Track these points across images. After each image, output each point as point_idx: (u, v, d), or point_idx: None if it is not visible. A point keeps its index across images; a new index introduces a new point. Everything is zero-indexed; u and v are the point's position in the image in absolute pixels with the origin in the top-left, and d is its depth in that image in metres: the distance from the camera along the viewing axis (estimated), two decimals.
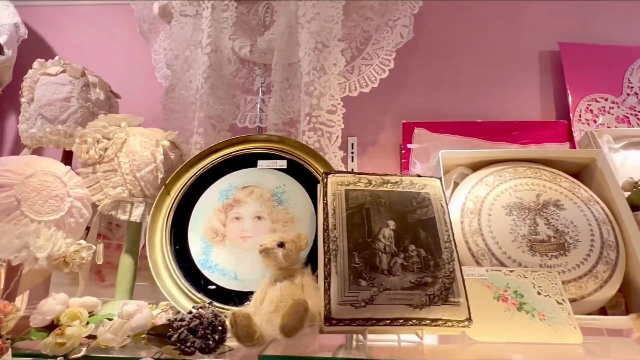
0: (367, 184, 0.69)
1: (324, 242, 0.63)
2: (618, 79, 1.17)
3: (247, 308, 0.63)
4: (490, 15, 1.27)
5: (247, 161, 0.84)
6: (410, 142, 1.13)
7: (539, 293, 0.66)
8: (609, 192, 0.78)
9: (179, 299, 0.70)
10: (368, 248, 0.62)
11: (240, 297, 0.69)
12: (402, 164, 1.14)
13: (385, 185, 0.70)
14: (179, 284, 0.71)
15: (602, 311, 0.73)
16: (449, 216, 0.68)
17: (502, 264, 0.71)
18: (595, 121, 1.12)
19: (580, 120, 1.12)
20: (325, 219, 0.65)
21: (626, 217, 0.73)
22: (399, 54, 1.25)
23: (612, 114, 1.13)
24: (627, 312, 0.71)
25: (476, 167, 0.87)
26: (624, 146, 0.87)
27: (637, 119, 1.13)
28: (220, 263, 0.74)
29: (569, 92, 1.14)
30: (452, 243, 0.65)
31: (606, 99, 1.14)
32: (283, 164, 0.83)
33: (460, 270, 0.63)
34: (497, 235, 0.73)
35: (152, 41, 1.14)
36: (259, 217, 0.78)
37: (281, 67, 0.96)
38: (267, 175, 0.82)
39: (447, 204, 0.69)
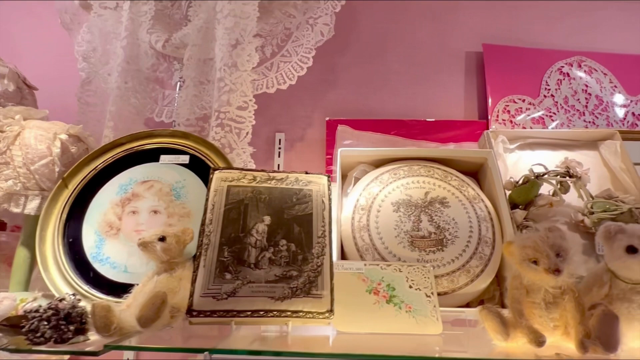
0: (252, 180, 0.71)
1: (199, 236, 0.65)
2: (537, 80, 1.21)
3: (125, 300, 0.65)
4: (421, 16, 1.29)
5: (151, 156, 0.85)
6: (334, 139, 1.16)
7: (410, 286, 0.69)
8: (495, 191, 0.81)
9: (66, 292, 0.71)
10: (239, 242, 0.64)
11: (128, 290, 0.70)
12: (326, 160, 1.17)
13: (269, 181, 0.72)
14: (67, 277, 0.72)
15: (481, 304, 0.77)
16: (329, 212, 0.70)
17: (383, 259, 0.74)
18: (511, 121, 1.16)
19: (497, 120, 1.16)
20: (204, 214, 0.67)
21: (505, 214, 0.76)
22: (330, 53, 1.28)
23: (529, 115, 1.17)
24: (501, 304, 0.75)
25: (378, 164, 0.89)
26: (519, 147, 0.91)
27: (551, 120, 1.17)
28: (111, 256, 0.75)
29: (488, 92, 1.18)
30: (327, 238, 0.67)
31: (523, 100, 1.18)
32: (185, 159, 0.84)
33: (331, 264, 0.65)
34: (383, 231, 0.76)
35: (75, 32, 1.13)
36: (155, 211, 0.79)
37: (196, 62, 0.97)
38: (168, 170, 0.83)
39: (329, 201, 0.72)
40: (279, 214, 0.68)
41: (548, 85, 1.20)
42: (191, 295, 0.59)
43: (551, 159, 0.90)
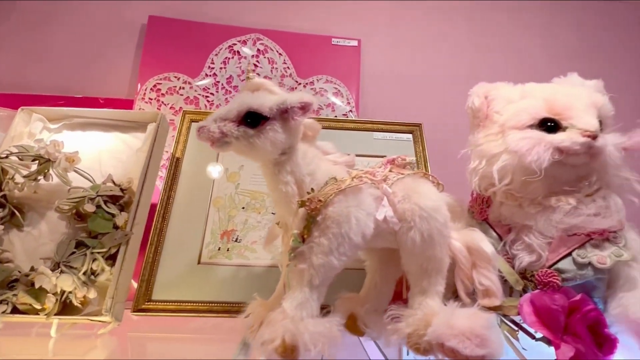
0: None
1: None
2: (202, 58, 1.13)
3: None
4: None
5: None
6: None
7: None
8: None
9: None
10: None
11: None
12: None
13: None
14: None
15: None
16: None
17: None
18: (158, 100, 1.08)
19: (144, 99, 1.08)
20: None
21: None
22: None
23: (182, 95, 1.10)
24: None
25: None
26: (67, 126, 0.83)
27: (207, 100, 1.11)
28: None
29: (140, 69, 1.10)
30: None
31: (178, 78, 1.10)
32: None
33: None
34: None
35: None
36: None
37: None
38: None
39: None
40: None
41: (213, 63, 1.13)
42: None
43: (104, 141, 0.83)
